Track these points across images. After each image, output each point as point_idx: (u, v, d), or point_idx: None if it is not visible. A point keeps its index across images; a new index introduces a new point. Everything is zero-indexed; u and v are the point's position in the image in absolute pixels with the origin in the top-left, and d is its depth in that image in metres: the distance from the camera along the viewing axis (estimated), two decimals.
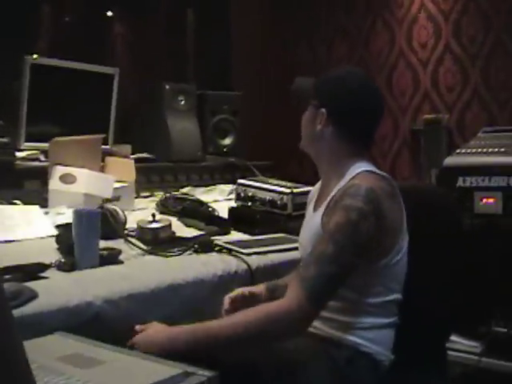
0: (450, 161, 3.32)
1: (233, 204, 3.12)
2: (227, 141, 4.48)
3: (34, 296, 1.78)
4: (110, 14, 5.07)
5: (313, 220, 2.00)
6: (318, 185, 2.15)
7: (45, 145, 3.22)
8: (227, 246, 2.48)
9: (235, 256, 2.41)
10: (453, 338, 2.95)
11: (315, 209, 2.05)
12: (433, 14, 4.94)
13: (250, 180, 3.16)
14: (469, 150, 3.37)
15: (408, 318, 1.98)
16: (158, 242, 2.49)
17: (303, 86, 2.14)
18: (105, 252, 2.20)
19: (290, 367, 1.81)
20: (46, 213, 2.81)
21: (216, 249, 2.47)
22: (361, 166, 1.95)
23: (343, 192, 1.86)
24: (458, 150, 3.44)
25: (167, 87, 4.22)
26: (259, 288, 2.17)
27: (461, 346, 3.16)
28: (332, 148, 2.00)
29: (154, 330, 1.79)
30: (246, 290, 2.16)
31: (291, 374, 1.80)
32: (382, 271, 1.89)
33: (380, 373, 1.91)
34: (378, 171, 1.96)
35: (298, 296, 1.74)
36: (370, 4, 5.27)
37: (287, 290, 1.79)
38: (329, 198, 1.93)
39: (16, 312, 1.65)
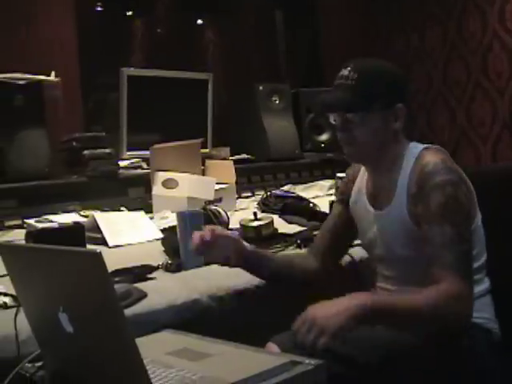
0: None
1: (333, 198, 3.12)
2: (324, 137, 4.45)
3: (143, 296, 1.84)
4: (199, 22, 5.15)
5: (386, 216, 1.93)
6: (363, 180, 2.06)
7: (146, 153, 3.30)
8: None
9: None
10: None
11: (377, 205, 1.97)
12: None
13: None
14: None
15: None
16: (261, 239, 2.51)
17: (346, 96, 1.88)
18: None
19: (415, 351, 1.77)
20: (151, 218, 2.89)
21: None
22: (415, 146, 1.92)
23: (421, 173, 1.82)
24: None
25: (261, 88, 4.23)
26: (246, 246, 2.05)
27: None
28: (397, 140, 1.93)
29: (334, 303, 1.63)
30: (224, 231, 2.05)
31: (419, 355, 1.77)
32: (472, 236, 1.84)
33: (495, 342, 1.86)
34: (431, 146, 1.92)
35: (455, 278, 1.69)
36: None
37: (435, 280, 1.72)
38: (401, 187, 1.88)
39: (127, 311, 1.71)
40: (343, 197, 2.15)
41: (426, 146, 1.91)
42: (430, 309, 1.67)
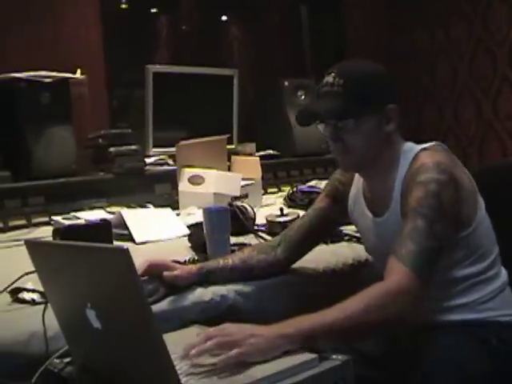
0: None
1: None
2: None
3: (170, 292, 1.84)
4: (224, 18, 5.15)
5: (385, 223, 1.88)
6: (359, 183, 2.01)
7: (172, 149, 3.31)
8: (356, 234, 2.47)
9: None
10: None
11: (376, 211, 1.93)
12: None
13: None
14: None
15: None
16: None
17: (334, 103, 1.82)
18: (236, 247, 2.24)
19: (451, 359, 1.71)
20: (178, 214, 2.90)
21: (345, 238, 2.47)
22: (412, 147, 1.86)
23: (412, 174, 1.76)
24: None
25: (286, 83, 4.23)
26: (187, 268, 1.96)
27: None
28: (391, 143, 1.87)
29: (260, 334, 1.47)
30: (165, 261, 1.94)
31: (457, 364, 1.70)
32: (471, 238, 1.81)
33: None
34: (429, 145, 1.85)
35: (404, 272, 1.60)
36: None
37: (387, 271, 1.64)
38: (397, 192, 1.83)
39: (155, 307, 1.72)
40: (335, 194, 2.08)
41: (423, 146, 1.85)
42: (366, 312, 1.55)
